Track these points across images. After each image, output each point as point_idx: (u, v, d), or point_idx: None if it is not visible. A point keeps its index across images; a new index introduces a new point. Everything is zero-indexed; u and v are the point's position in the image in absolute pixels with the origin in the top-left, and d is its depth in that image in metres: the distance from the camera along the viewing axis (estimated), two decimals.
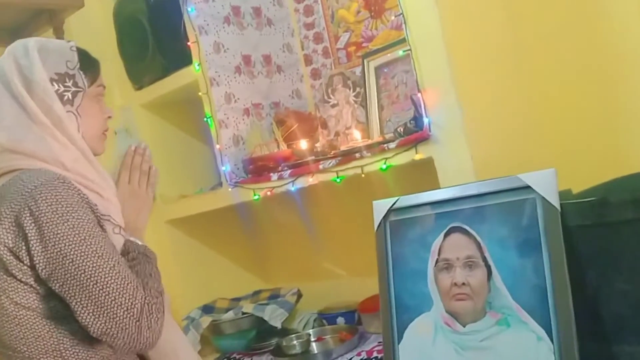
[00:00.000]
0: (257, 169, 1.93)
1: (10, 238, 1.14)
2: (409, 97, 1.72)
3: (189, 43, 2.02)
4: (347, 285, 2.19)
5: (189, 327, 2.07)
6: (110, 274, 1.13)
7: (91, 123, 1.31)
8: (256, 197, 1.89)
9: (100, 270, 1.13)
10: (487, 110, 1.58)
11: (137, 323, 1.13)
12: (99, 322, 1.12)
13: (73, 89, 1.27)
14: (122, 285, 1.13)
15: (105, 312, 1.12)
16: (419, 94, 1.52)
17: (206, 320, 2.05)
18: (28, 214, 1.12)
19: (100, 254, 1.14)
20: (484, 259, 1.30)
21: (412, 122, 1.59)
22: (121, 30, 2.25)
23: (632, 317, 1.14)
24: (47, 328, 1.16)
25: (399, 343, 1.40)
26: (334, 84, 2.07)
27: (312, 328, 2.05)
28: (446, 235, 1.37)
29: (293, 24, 2.26)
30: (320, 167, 1.72)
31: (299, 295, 2.16)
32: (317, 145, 1.95)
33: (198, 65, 2.00)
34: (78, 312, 1.12)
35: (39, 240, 1.12)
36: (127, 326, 1.12)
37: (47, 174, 1.18)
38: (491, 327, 1.26)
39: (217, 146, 2.01)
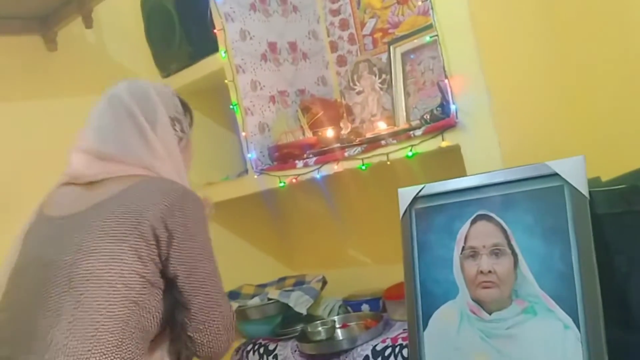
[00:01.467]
0: (283, 156, 1.94)
1: (153, 230, 1.25)
2: (435, 84, 1.71)
3: (215, 30, 2.03)
4: (372, 273, 2.20)
5: None
6: (220, 287, 1.37)
7: (188, 160, 1.55)
8: (282, 184, 1.90)
9: (216, 282, 1.36)
10: (515, 97, 1.56)
11: (228, 333, 1.36)
12: (205, 317, 1.31)
13: (180, 133, 1.49)
14: (224, 298, 1.38)
15: (211, 316, 1.32)
16: (446, 81, 1.50)
17: (232, 306, 2.07)
18: (178, 211, 1.29)
19: (216, 268, 1.38)
20: (511, 247, 1.29)
21: (438, 109, 1.58)
22: (148, 18, 2.27)
23: None
24: (129, 315, 1.22)
25: (424, 330, 1.41)
26: (359, 70, 2.06)
27: (337, 315, 2.05)
28: (472, 222, 1.37)
29: (319, 11, 2.25)
30: (346, 154, 1.72)
31: (324, 282, 2.17)
32: (343, 132, 1.94)
33: (224, 52, 2.01)
34: (190, 306, 1.29)
35: (180, 239, 1.28)
36: (222, 334, 1.34)
37: (180, 184, 1.39)
38: (517, 315, 1.26)
39: (243, 134, 2.02)
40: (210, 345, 1.33)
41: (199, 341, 1.32)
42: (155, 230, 1.25)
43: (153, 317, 1.26)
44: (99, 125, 1.41)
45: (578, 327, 1.17)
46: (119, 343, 1.19)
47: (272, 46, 2.12)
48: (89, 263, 1.22)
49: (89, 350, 1.16)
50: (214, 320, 1.32)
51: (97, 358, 1.16)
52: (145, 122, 1.39)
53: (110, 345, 1.18)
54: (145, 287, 1.24)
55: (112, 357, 1.17)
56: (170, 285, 1.30)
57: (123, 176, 1.35)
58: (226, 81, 2.02)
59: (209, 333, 1.32)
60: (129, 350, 1.20)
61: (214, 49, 2.05)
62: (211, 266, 1.35)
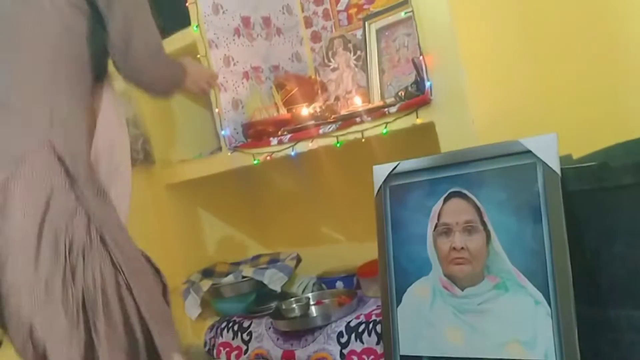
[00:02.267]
0: (257, 133, 1.92)
1: None
2: (410, 61, 1.70)
3: (187, 3, 1.98)
4: (346, 250, 2.20)
5: (189, 290, 2.08)
6: (149, 19, 1.36)
7: None
8: (256, 161, 1.88)
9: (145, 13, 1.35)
10: (489, 75, 1.56)
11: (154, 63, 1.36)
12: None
13: None
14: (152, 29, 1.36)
15: (132, 38, 1.29)
16: (421, 57, 1.50)
17: (206, 284, 2.06)
18: None
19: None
20: (484, 224, 1.30)
21: (413, 85, 1.57)
22: None
23: (630, 282, 1.14)
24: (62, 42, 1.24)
25: (397, 306, 1.42)
26: (334, 47, 2.04)
27: (311, 292, 2.06)
28: (446, 200, 1.37)
29: None
30: (320, 131, 1.71)
31: (299, 260, 2.17)
32: (317, 109, 1.93)
33: (196, 27, 1.97)
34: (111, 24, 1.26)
35: None
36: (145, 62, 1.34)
37: None
38: (489, 290, 1.27)
39: (216, 110, 2.00)
40: (133, 71, 1.33)
41: (121, 66, 1.32)
42: None
43: (85, 43, 1.26)
44: None
45: (549, 302, 1.19)
46: (54, 74, 1.21)
47: (246, 21, 2.08)
48: None
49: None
50: (135, 45, 1.30)
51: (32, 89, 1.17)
52: None
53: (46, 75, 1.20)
54: (73, 11, 1.23)
55: (47, 90, 1.19)
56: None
57: None
58: (198, 56, 1.98)
59: (130, 58, 1.31)
60: (63, 85, 1.21)
61: (186, 22, 2.01)
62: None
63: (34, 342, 1.17)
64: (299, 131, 1.80)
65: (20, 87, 1.22)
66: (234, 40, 2.04)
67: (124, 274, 1.26)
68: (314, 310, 1.94)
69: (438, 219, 1.38)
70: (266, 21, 2.14)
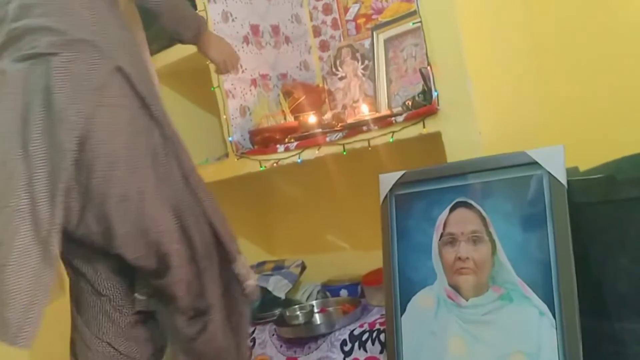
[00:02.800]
0: (264, 140, 1.93)
1: None
2: (417, 71, 1.71)
3: (197, 11, 2.00)
4: (351, 258, 2.20)
5: None
6: None
7: None
8: (262, 168, 1.89)
9: None
10: (497, 85, 1.57)
11: None
12: None
13: None
14: None
15: None
16: (429, 67, 1.50)
17: None
18: None
19: None
20: (489, 234, 1.30)
21: (420, 95, 1.58)
22: None
23: (635, 295, 1.14)
24: None
25: (401, 315, 1.42)
26: (342, 56, 2.05)
27: (316, 300, 2.06)
28: (452, 209, 1.37)
29: None
30: (327, 139, 1.72)
31: (303, 267, 2.17)
32: (324, 117, 1.94)
33: None
34: None
35: None
36: None
37: None
38: (494, 301, 1.27)
39: (224, 116, 2.01)
40: None
41: None
42: None
43: None
44: None
45: (553, 314, 1.18)
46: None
47: (255, 29, 2.10)
48: None
49: None
50: None
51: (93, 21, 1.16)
52: None
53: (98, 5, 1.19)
54: None
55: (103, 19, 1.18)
56: None
57: None
58: (207, 63, 2.00)
59: None
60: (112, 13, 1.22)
61: None
62: None
63: (151, 242, 1.22)
64: (305, 139, 1.81)
65: (82, 19, 1.18)
66: (242, 47, 2.05)
67: (191, 184, 1.31)
68: (317, 317, 1.94)
69: (443, 229, 1.38)
70: (275, 29, 2.16)
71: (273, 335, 1.88)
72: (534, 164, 1.26)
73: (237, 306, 1.36)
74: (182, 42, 1.57)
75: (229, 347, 1.34)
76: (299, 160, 1.79)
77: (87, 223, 1.18)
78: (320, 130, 1.83)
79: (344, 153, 1.68)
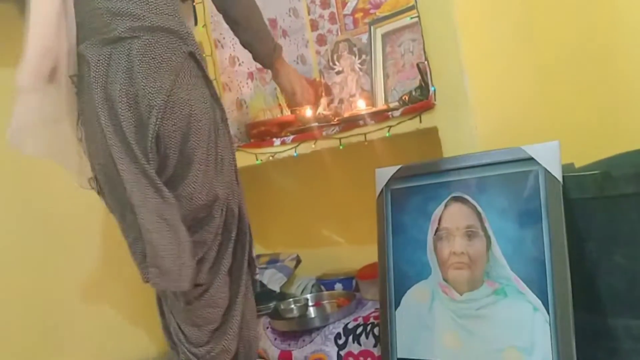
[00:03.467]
0: (260, 133, 1.93)
1: None
2: (415, 66, 1.71)
3: (194, 3, 1.99)
4: (346, 252, 2.21)
5: None
6: None
7: None
8: (258, 162, 1.89)
9: None
10: (494, 81, 1.57)
11: None
12: None
13: None
14: None
15: None
16: (426, 62, 1.50)
17: None
18: None
19: None
20: (484, 229, 1.30)
21: (417, 90, 1.58)
22: None
23: (628, 291, 1.15)
24: None
25: (395, 309, 1.42)
26: (339, 50, 2.05)
27: (310, 293, 2.06)
28: (447, 204, 1.38)
29: None
30: (324, 133, 1.72)
31: (298, 261, 2.17)
32: (321, 111, 1.94)
33: (203, 26, 1.98)
34: None
35: None
36: None
37: None
38: (488, 296, 1.28)
39: None
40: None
41: None
42: None
43: None
44: None
45: (547, 309, 1.19)
46: None
47: None
48: None
49: None
50: None
51: None
52: None
53: None
54: None
55: None
56: None
57: None
58: (205, 55, 1.99)
59: None
60: None
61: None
62: None
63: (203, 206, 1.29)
64: (302, 132, 1.81)
65: (158, 6, 1.25)
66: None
67: (235, 164, 1.40)
68: (312, 311, 1.95)
69: (439, 224, 1.38)
70: (272, 23, 2.15)
71: (267, 328, 1.88)
72: (530, 159, 1.26)
73: (240, 279, 1.38)
74: (255, 57, 1.64)
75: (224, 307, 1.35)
76: (295, 154, 1.79)
77: None
78: (316, 124, 1.82)
79: (341, 147, 1.68)
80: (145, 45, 1.21)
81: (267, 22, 1.59)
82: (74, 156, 1.34)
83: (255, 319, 1.42)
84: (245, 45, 1.60)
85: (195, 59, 1.27)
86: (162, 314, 1.45)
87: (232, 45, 2.02)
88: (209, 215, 1.29)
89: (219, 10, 1.50)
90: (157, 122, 1.20)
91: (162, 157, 1.23)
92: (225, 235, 1.33)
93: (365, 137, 1.62)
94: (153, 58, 1.21)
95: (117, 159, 1.20)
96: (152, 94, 1.20)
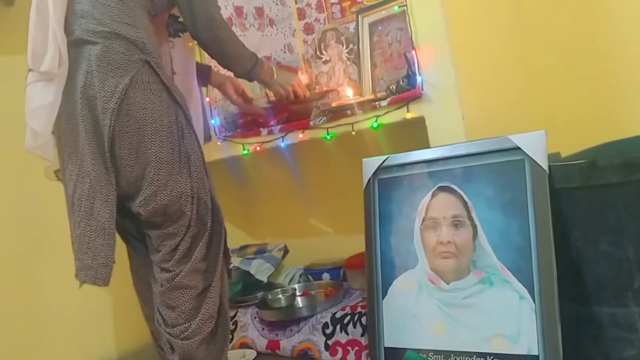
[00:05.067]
0: (247, 123, 1.91)
1: None
2: (402, 56, 1.70)
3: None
4: (334, 243, 2.21)
5: None
6: None
7: None
8: (245, 151, 1.88)
9: None
10: (481, 71, 1.57)
11: None
12: None
13: None
14: None
15: None
16: (413, 52, 1.50)
17: None
18: None
19: None
20: (471, 219, 1.31)
21: (404, 80, 1.57)
22: None
23: (613, 279, 1.16)
24: None
25: (383, 299, 1.42)
26: (327, 39, 2.04)
27: (298, 283, 2.06)
28: (434, 194, 1.38)
29: None
30: (311, 123, 1.71)
31: (286, 251, 2.17)
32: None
33: None
34: None
35: None
36: None
37: None
38: (474, 285, 1.28)
39: (207, 99, 1.99)
40: (197, 32, 1.47)
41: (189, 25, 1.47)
42: None
43: None
44: None
45: (533, 298, 1.20)
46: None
47: (239, 10, 2.08)
48: None
49: None
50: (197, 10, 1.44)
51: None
52: None
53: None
54: None
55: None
56: None
57: None
58: (190, 44, 1.97)
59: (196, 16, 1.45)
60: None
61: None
62: None
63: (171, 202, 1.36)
64: (289, 122, 1.80)
65: (119, 13, 1.33)
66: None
67: (204, 160, 1.45)
68: (299, 301, 1.95)
69: (426, 213, 1.38)
70: (259, 11, 2.13)
71: (255, 318, 1.89)
72: (516, 149, 1.26)
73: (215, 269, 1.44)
74: (236, 75, 1.71)
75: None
76: (282, 144, 1.78)
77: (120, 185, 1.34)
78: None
79: (328, 137, 1.67)
80: (102, 51, 1.30)
81: (243, 43, 1.59)
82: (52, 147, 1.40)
83: (228, 302, 1.48)
84: (223, 67, 1.67)
85: (151, 66, 1.34)
86: (145, 305, 1.52)
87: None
88: (179, 211, 1.36)
89: (192, 36, 1.53)
90: (112, 124, 1.28)
91: (117, 157, 1.31)
92: (200, 226, 1.40)
93: (352, 127, 1.62)
94: (109, 63, 1.30)
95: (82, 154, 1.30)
96: (106, 97, 1.28)
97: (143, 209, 1.33)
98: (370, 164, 1.50)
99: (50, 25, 1.30)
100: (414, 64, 1.51)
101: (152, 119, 1.32)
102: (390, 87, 1.61)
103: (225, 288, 1.45)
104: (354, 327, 1.64)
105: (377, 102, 1.58)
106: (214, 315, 1.40)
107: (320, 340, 1.69)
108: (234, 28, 2.04)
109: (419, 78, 1.49)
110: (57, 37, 1.30)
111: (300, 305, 1.90)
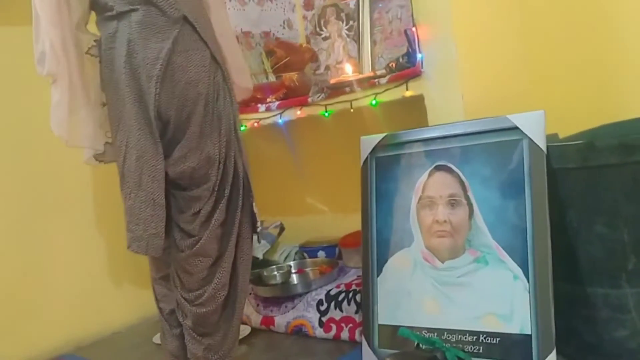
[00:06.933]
0: (245, 99, 1.90)
1: None
2: (402, 33, 1.69)
3: None
4: (330, 221, 2.21)
5: None
6: None
7: None
8: (243, 128, 1.87)
9: None
10: (481, 50, 1.56)
11: None
12: None
13: None
14: None
15: None
16: (414, 29, 1.49)
17: None
18: None
19: None
20: (467, 198, 1.31)
21: (404, 57, 1.56)
22: None
23: (607, 260, 1.16)
24: None
25: (378, 276, 1.43)
26: (326, 15, 2.02)
27: (293, 260, 2.07)
28: (431, 173, 1.38)
29: None
30: (309, 100, 1.70)
31: (282, 229, 2.18)
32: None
33: None
34: None
35: None
36: None
37: None
38: (469, 264, 1.29)
39: None
40: None
41: None
42: None
43: None
44: None
45: (527, 278, 1.20)
46: None
47: None
48: None
49: None
50: None
51: None
52: None
53: None
54: None
55: None
56: None
57: None
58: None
59: None
60: None
61: None
62: None
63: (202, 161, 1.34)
64: (287, 98, 1.79)
65: None
66: (224, 3, 2.00)
67: (236, 124, 1.42)
68: (295, 278, 1.95)
69: (422, 192, 1.38)
70: None
71: (250, 294, 1.89)
72: (515, 129, 1.26)
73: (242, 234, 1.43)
74: None
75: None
76: (280, 121, 1.77)
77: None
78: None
79: (326, 114, 1.66)
80: (143, 16, 1.27)
81: None
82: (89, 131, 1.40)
83: (249, 271, 1.45)
84: None
85: (190, 22, 1.30)
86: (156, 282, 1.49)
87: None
88: (205, 175, 1.34)
89: None
90: (157, 92, 1.25)
91: (164, 124, 1.29)
92: (220, 192, 1.38)
93: (351, 104, 1.61)
94: (150, 27, 1.26)
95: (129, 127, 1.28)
96: (150, 64, 1.25)
97: (172, 169, 1.31)
98: (368, 142, 1.49)
99: (41, 27, 1.29)
100: (414, 41, 1.50)
101: (193, 83, 1.29)
102: (390, 65, 1.60)
103: (242, 258, 1.43)
104: (348, 304, 1.65)
105: (376, 80, 1.57)
106: (226, 283, 1.39)
107: (314, 316, 1.70)
108: (232, 2, 2.03)
109: (419, 56, 1.48)
110: (50, 35, 1.27)
111: (295, 282, 1.91)
